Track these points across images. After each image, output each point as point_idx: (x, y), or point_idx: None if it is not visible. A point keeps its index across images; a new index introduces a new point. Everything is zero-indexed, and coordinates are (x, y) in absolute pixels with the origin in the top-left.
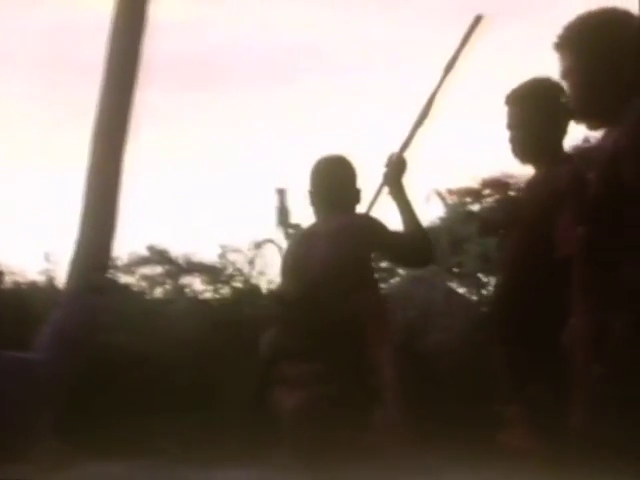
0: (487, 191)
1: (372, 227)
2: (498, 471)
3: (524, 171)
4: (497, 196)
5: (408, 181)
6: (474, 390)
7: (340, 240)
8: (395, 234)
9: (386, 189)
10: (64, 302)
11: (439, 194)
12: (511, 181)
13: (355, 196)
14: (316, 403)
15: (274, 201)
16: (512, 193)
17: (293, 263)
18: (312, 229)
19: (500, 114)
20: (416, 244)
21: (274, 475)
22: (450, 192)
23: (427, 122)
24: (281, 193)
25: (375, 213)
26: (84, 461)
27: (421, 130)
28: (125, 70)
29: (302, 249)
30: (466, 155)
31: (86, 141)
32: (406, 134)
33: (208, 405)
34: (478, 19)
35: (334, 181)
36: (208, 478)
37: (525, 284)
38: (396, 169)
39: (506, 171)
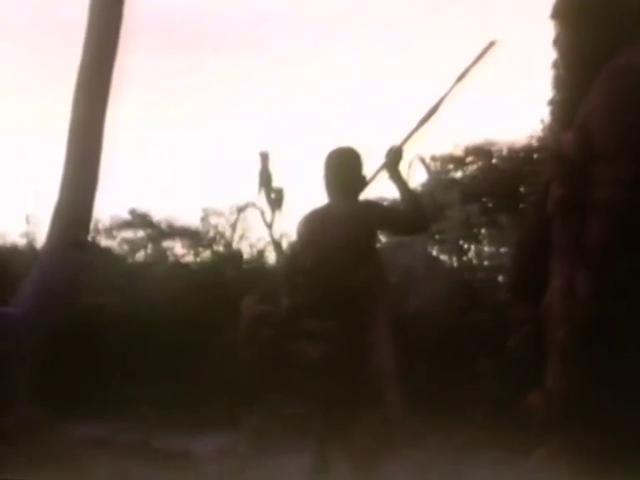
0: (470, 158)
1: (376, 210)
2: (474, 436)
3: (507, 138)
4: (480, 163)
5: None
6: (454, 354)
7: (352, 221)
8: (395, 210)
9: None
10: (44, 258)
11: (422, 160)
12: (494, 149)
13: (361, 183)
14: (339, 353)
15: (257, 165)
16: (495, 161)
17: (311, 238)
18: (326, 210)
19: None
20: (416, 215)
21: (254, 439)
22: (433, 159)
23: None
24: (264, 157)
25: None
26: (64, 423)
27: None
28: (107, 31)
29: (319, 226)
30: (450, 122)
31: (68, 102)
32: (408, 131)
33: (189, 367)
34: (492, 44)
35: (345, 171)
36: (187, 441)
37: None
38: (395, 159)
39: (489, 138)
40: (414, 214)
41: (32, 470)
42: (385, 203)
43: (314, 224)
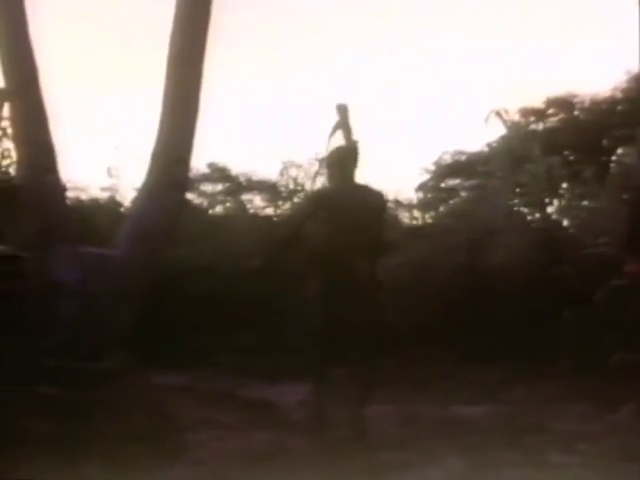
0: (551, 110)
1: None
2: (556, 386)
3: (589, 90)
4: (561, 115)
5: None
6: (536, 307)
7: (373, 200)
8: None
9: None
10: (143, 198)
11: (498, 114)
12: (576, 100)
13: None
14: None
15: (335, 117)
16: (577, 113)
17: (341, 211)
18: (346, 189)
19: (565, 32)
20: None
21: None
22: (514, 112)
23: None
24: (342, 109)
25: None
26: (147, 371)
27: None
28: None
29: (346, 202)
30: (530, 74)
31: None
32: None
33: (269, 317)
34: None
35: (350, 163)
36: (268, 390)
37: None
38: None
39: (571, 90)
40: None
41: (120, 416)
42: None
43: (342, 200)
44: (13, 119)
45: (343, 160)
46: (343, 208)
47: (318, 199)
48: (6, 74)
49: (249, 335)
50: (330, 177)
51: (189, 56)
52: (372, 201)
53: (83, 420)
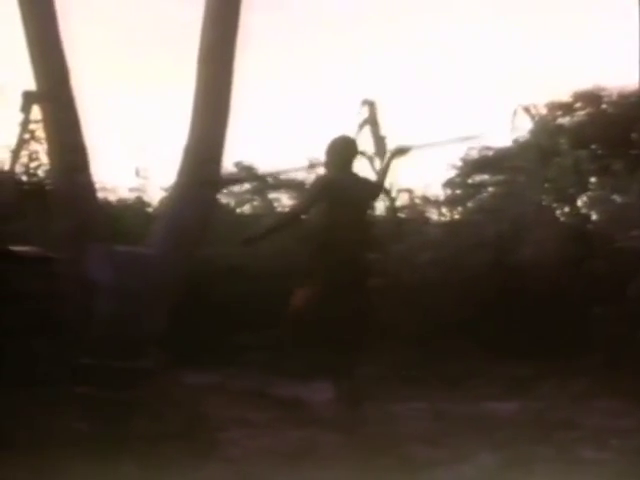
0: (578, 104)
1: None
2: (587, 382)
3: (617, 84)
4: (589, 109)
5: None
6: (567, 302)
7: (369, 189)
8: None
9: None
10: (176, 197)
11: (526, 109)
12: (603, 94)
13: None
14: None
15: (362, 114)
16: (604, 106)
17: (345, 197)
18: (348, 177)
19: (592, 25)
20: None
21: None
22: (540, 106)
23: None
24: (370, 105)
25: None
26: (178, 369)
27: None
28: None
29: (349, 188)
30: (556, 68)
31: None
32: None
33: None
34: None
35: (351, 153)
36: (298, 389)
37: None
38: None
39: (599, 84)
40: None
41: (153, 416)
42: None
43: (346, 184)
44: (45, 120)
45: (344, 150)
46: (346, 194)
47: (325, 184)
48: (37, 75)
49: (277, 333)
50: (330, 165)
51: (220, 54)
52: (369, 189)
53: (118, 420)
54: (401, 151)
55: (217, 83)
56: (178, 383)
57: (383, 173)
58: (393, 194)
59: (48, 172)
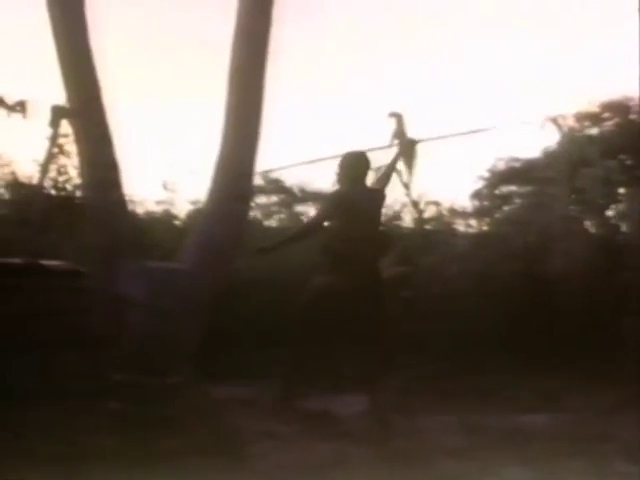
0: (606, 114)
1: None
2: (618, 394)
3: None
4: (617, 119)
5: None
6: (594, 314)
7: (379, 203)
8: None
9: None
10: (208, 212)
11: (553, 120)
12: (632, 104)
13: None
14: None
15: (389, 125)
16: (633, 116)
17: (358, 211)
18: (360, 190)
19: (619, 35)
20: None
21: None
22: (568, 116)
23: None
24: (397, 117)
25: None
26: (207, 383)
27: None
28: None
29: (361, 202)
30: (586, 78)
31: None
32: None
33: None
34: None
35: (362, 167)
36: (327, 402)
37: None
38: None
39: (626, 94)
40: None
41: (183, 430)
42: None
43: (356, 198)
44: (76, 136)
45: (356, 164)
46: (359, 208)
47: (338, 199)
48: (69, 91)
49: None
50: (342, 179)
51: (251, 68)
52: (379, 199)
53: (148, 435)
54: (409, 144)
55: (248, 97)
56: (207, 396)
57: (390, 169)
58: (421, 206)
59: (78, 187)
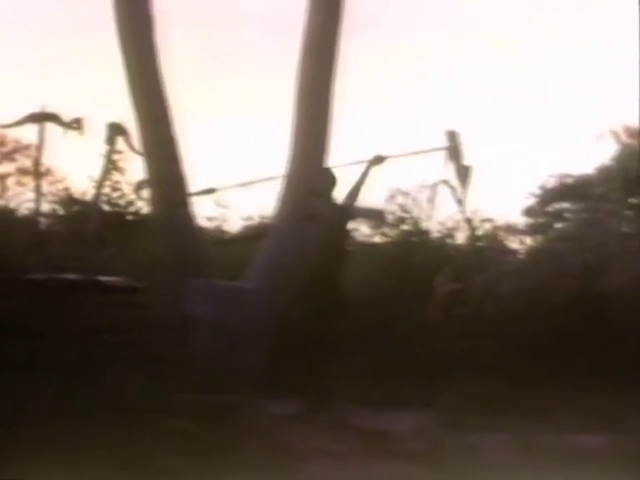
0: None
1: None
2: None
3: None
4: None
5: None
6: None
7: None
8: None
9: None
10: (276, 230)
11: (613, 133)
12: None
13: None
14: None
15: (444, 143)
16: None
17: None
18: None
19: None
20: None
21: (449, 417)
22: (625, 130)
23: None
24: (452, 135)
25: None
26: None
27: None
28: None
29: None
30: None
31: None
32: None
33: (380, 345)
34: None
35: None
36: (381, 419)
37: None
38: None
39: None
40: None
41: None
42: None
43: None
44: (145, 152)
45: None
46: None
47: None
48: (137, 109)
49: (362, 362)
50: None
51: (318, 87)
52: (344, 217)
53: (212, 453)
54: (377, 160)
55: (316, 116)
56: (263, 413)
57: (358, 184)
58: (475, 223)
59: (131, 203)
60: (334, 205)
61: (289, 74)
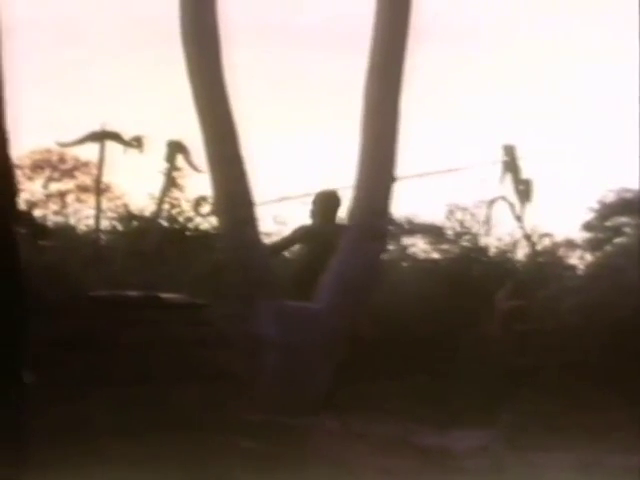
0: None
1: None
2: None
3: None
4: None
5: None
6: None
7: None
8: None
9: None
10: (344, 250)
11: None
12: None
13: None
14: None
15: (501, 157)
16: None
17: (319, 244)
18: (324, 228)
19: None
20: None
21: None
22: None
23: None
24: (509, 149)
25: None
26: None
27: None
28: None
29: (324, 235)
30: None
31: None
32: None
33: (439, 362)
34: None
35: (333, 206)
36: (441, 437)
37: None
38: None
39: None
40: None
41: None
42: None
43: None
44: (212, 170)
45: (326, 202)
46: (323, 240)
47: (300, 232)
48: (204, 126)
49: (421, 379)
50: (314, 215)
51: (385, 106)
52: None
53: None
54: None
55: (384, 136)
56: (323, 431)
57: None
58: (534, 239)
59: (189, 219)
60: (339, 225)
61: (354, 91)
